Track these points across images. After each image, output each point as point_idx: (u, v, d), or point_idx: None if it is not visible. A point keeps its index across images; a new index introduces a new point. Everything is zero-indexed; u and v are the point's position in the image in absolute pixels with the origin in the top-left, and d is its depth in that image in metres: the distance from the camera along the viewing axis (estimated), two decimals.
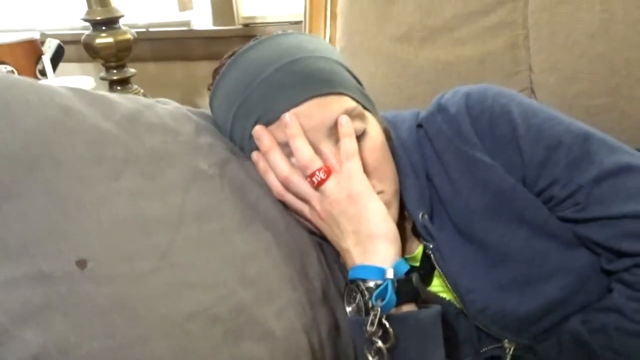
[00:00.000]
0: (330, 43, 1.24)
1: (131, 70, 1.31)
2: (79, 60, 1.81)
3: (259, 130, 0.63)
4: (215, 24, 1.74)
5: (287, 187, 0.63)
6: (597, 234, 0.64)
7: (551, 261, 0.67)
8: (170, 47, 1.78)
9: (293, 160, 0.62)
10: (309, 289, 0.56)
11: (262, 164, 0.65)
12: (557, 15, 1.05)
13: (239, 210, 0.55)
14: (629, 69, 1.00)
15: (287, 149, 0.62)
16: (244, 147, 0.67)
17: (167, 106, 0.61)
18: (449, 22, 1.11)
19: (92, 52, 1.25)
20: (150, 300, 0.40)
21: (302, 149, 0.60)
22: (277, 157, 0.62)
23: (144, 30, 1.74)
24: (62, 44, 1.38)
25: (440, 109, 0.71)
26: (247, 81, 0.63)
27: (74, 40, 1.45)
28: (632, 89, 1.00)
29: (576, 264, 0.68)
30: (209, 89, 0.71)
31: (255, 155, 0.66)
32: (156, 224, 0.45)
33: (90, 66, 1.81)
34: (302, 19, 1.30)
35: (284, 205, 0.66)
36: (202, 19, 1.76)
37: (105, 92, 0.54)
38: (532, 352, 0.70)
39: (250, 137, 0.64)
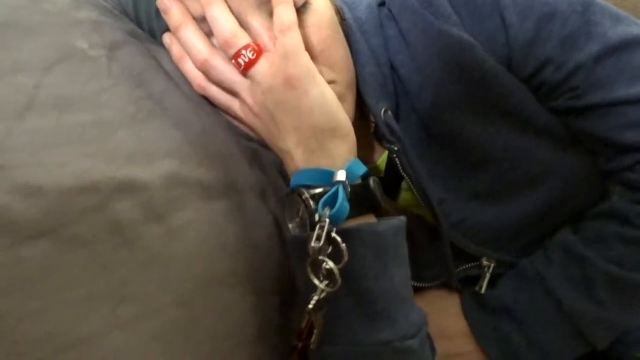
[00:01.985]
0: None
1: None
2: None
3: (166, 0, 0.47)
4: None
5: (207, 74, 0.48)
6: (596, 124, 0.54)
7: (537, 162, 0.57)
8: None
9: (214, 40, 0.47)
10: (234, 201, 0.43)
11: (175, 48, 0.50)
12: None
13: (132, 101, 0.40)
14: None
15: (205, 26, 0.47)
16: (154, 28, 0.52)
17: None
18: None
19: None
20: None
21: (222, 20, 0.45)
22: (192, 35, 0.47)
23: None
24: None
25: None
26: None
27: None
28: None
29: (567, 165, 0.58)
30: None
31: (167, 37, 0.51)
32: None
33: None
34: None
35: (210, 103, 0.51)
36: None
37: None
38: (514, 271, 0.60)
39: (158, 12, 0.49)
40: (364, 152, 0.62)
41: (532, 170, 0.57)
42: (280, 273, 0.49)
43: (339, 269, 0.41)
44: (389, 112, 0.56)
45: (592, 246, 0.54)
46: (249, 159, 0.50)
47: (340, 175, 0.43)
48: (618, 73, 0.51)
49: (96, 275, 0.30)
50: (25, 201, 0.28)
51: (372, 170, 0.63)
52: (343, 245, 0.41)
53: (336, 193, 0.42)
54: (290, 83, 0.44)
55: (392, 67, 0.58)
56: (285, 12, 0.46)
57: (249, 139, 0.53)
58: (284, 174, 0.54)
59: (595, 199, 0.59)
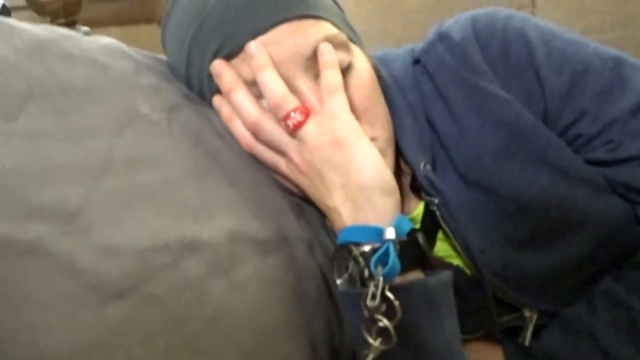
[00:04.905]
0: None
1: (84, 28, 1.17)
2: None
3: (218, 65, 0.50)
4: None
5: (257, 135, 0.51)
6: (633, 176, 0.55)
7: (577, 210, 0.57)
8: (134, 7, 1.63)
9: (264, 102, 0.50)
10: (287, 255, 0.45)
11: (225, 110, 0.52)
12: None
13: (192, 159, 0.43)
14: None
15: (255, 89, 0.50)
16: (204, 90, 0.54)
17: (99, 40, 0.48)
18: None
19: (37, 9, 1.11)
20: (49, 274, 0.28)
21: (272, 84, 0.48)
22: (243, 98, 0.50)
23: None
24: (6, 4, 1.23)
25: (442, 37, 0.59)
26: (200, 5, 0.51)
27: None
28: None
29: (606, 213, 0.58)
30: (158, 24, 0.58)
31: (217, 99, 0.53)
32: (66, 173, 0.32)
33: None
34: None
35: (256, 161, 0.54)
36: None
37: (8, 19, 0.42)
38: (558, 321, 0.60)
39: (210, 76, 0.52)
40: (402, 202, 0.63)
41: (572, 218, 0.58)
42: (327, 324, 0.49)
43: (393, 326, 0.41)
44: (428, 166, 0.57)
45: (637, 294, 0.54)
46: (295, 212, 0.52)
47: (390, 233, 0.44)
48: None
49: (171, 331, 0.32)
50: (109, 261, 0.30)
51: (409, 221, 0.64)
52: (397, 302, 0.41)
53: (387, 251, 0.43)
54: (337, 143, 0.47)
55: (429, 120, 0.60)
56: (332, 75, 0.49)
57: (292, 193, 0.55)
58: (327, 228, 0.55)
59: (637, 246, 0.59)
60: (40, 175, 0.31)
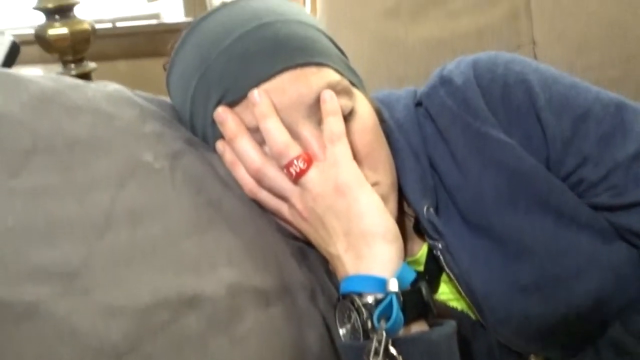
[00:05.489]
0: None
1: (91, 64, 1.18)
2: (42, 61, 1.69)
3: (221, 112, 0.51)
4: (187, 15, 1.62)
5: (260, 181, 0.51)
6: (638, 222, 0.53)
7: (582, 256, 0.57)
8: (140, 42, 1.66)
9: (266, 148, 0.50)
10: (289, 304, 0.44)
11: (228, 156, 0.53)
12: None
13: (193, 209, 0.43)
14: None
15: (258, 135, 0.50)
16: (207, 136, 0.55)
17: (105, 88, 0.49)
18: None
19: (46, 46, 1.12)
20: (47, 339, 0.28)
21: (275, 133, 0.48)
22: (246, 145, 0.50)
23: (110, 25, 1.62)
24: (16, 41, 1.25)
25: (444, 81, 0.59)
26: (206, 52, 0.51)
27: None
28: None
29: (612, 258, 0.57)
30: (164, 69, 0.59)
31: (220, 144, 0.54)
32: (68, 231, 0.33)
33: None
34: None
35: (259, 205, 0.54)
36: (172, 11, 1.64)
37: (15, 71, 0.42)
38: None
39: (213, 122, 0.52)
40: (405, 245, 0.63)
41: (577, 263, 0.57)
42: None
43: None
44: (431, 210, 0.57)
45: None
46: (297, 258, 0.51)
47: (393, 285, 0.44)
48: None
49: None
50: (108, 322, 0.30)
51: (412, 263, 0.63)
52: (400, 358, 0.41)
53: (390, 303, 0.43)
54: (340, 190, 0.47)
55: (431, 163, 0.60)
56: (334, 123, 0.49)
57: (295, 238, 0.55)
58: (330, 273, 0.55)
59: None
60: (42, 234, 0.32)
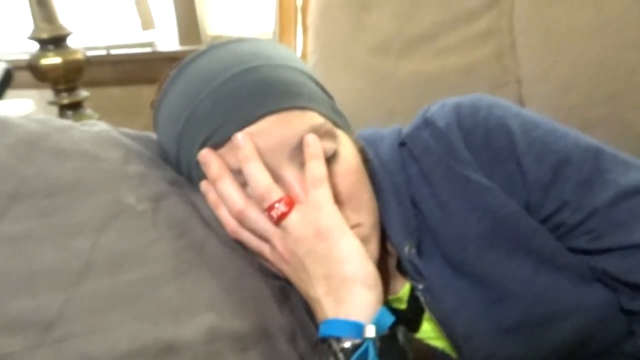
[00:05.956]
0: (303, 58, 1.15)
1: (83, 93, 1.19)
2: (36, 86, 1.70)
3: (205, 154, 0.52)
4: (181, 43, 1.64)
5: (242, 223, 0.52)
6: (616, 266, 0.55)
7: (562, 298, 0.57)
8: (135, 69, 1.67)
9: (249, 190, 0.51)
10: (268, 347, 0.44)
11: (212, 196, 0.53)
12: (546, 20, 0.96)
13: (174, 253, 0.43)
14: (629, 74, 0.91)
15: (241, 177, 0.51)
16: (192, 175, 0.55)
17: (91, 128, 0.50)
18: (430, 30, 1.02)
19: (38, 75, 1.13)
20: None
21: (257, 176, 0.49)
22: (229, 187, 0.51)
23: (104, 53, 1.63)
24: (10, 68, 1.26)
25: (427, 123, 0.60)
26: (192, 94, 0.52)
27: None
28: (633, 95, 0.91)
29: (592, 301, 0.58)
30: (151, 107, 0.60)
31: (204, 185, 0.54)
32: (47, 279, 0.33)
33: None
34: (271, 36, 1.21)
35: (241, 246, 0.54)
36: (167, 39, 1.66)
37: (1, 114, 0.43)
38: None
39: (198, 163, 0.53)
40: (388, 283, 0.63)
41: (557, 306, 0.58)
42: None
43: None
44: (413, 250, 0.58)
45: None
46: (278, 299, 0.52)
47: (370, 331, 0.44)
48: (634, 217, 0.53)
49: None
50: None
51: (395, 300, 0.63)
52: None
53: (366, 350, 0.43)
54: (320, 234, 0.47)
55: (414, 203, 0.61)
56: (316, 167, 0.50)
57: (277, 277, 0.55)
58: (310, 313, 0.55)
59: (623, 334, 0.58)
60: (20, 282, 0.32)
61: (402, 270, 0.62)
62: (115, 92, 1.69)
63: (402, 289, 0.63)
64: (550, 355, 0.59)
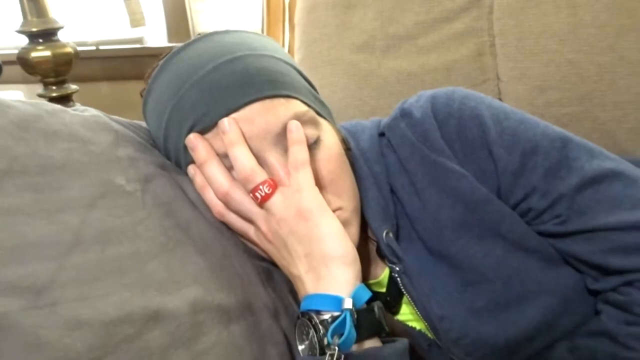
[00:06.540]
0: (289, 54, 1.17)
1: (72, 86, 1.21)
2: (25, 81, 1.70)
3: (192, 138, 0.54)
4: (170, 40, 1.66)
5: (227, 204, 0.54)
6: (580, 249, 0.58)
7: (531, 280, 0.60)
8: (123, 65, 1.68)
9: (234, 173, 0.53)
10: (251, 322, 0.47)
11: (199, 179, 0.56)
12: (523, 21, 1.00)
13: (162, 231, 0.45)
14: (600, 75, 0.96)
15: (227, 161, 0.53)
16: (180, 160, 0.58)
17: (82, 113, 0.52)
18: (412, 30, 1.05)
19: (28, 68, 1.14)
20: (15, 349, 0.30)
21: (242, 159, 0.51)
22: (215, 170, 0.53)
23: (94, 48, 1.64)
24: (0, 63, 1.27)
25: (404, 114, 0.63)
26: (180, 83, 0.55)
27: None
28: (604, 95, 0.96)
29: (559, 283, 0.61)
30: (141, 95, 0.62)
31: (191, 169, 0.57)
32: (37, 249, 0.35)
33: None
34: (259, 32, 1.23)
35: (227, 227, 0.57)
36: (156, 36, 1.67)
37: None
38: None
39: (185, 148, 0.55)
40: (369, 268, 0.66)
41: (526, 287, 0.60)
42: None
43: None
44: (390, 234, 0.61)
45: None
46: (263, 278, 0.54)
47: (347, 303, 0.47)
48: (597, 202, 0.56)
49: None
50: (73, 335, 0.32)
51: (375, 284, 0.66)
52: None
53: (344, 320, 0.46)
54: (302, 215, 0.50)
55: (392, 191, 0.64)
56: (298, 151, 0.52)
57: (262, 259, 0.57)
58: (293, 293, 0.57)
59: (590, 314, 0.61)
60: (13, 251, 0.34)
61: (382, 256, 0.64)
62: (104, 87, 1.70)
63: (382, 273, 0.65)
64: (519, 335, 0.61)
